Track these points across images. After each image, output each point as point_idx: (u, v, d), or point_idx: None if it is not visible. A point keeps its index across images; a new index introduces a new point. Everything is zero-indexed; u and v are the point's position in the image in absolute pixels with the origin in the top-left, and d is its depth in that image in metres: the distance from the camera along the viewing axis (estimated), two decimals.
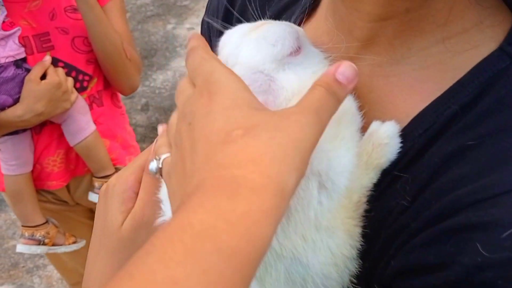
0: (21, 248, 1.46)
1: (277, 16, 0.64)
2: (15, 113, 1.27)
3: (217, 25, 0.60)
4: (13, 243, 2.57)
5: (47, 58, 1.32)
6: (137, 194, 0.49)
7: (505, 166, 0.37)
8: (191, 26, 4.17)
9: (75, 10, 1.34)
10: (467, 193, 0.37)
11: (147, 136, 3.31)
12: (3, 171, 1.45)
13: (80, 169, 1.50)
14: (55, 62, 1.35)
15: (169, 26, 4.18)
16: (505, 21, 0.43)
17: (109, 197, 0.51)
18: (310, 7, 0.58)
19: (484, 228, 0.35)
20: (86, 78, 1.41)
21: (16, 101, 1.30)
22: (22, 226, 1.47)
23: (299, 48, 0.48)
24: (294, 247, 0.39)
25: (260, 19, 0.59)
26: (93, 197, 1.50)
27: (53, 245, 1.47)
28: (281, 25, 0.49)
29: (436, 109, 0.42)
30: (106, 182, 1.49)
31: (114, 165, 1.54)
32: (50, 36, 1.32)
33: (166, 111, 3.49)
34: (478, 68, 0.41)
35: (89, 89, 1.44)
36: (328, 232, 0.40)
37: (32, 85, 1.27)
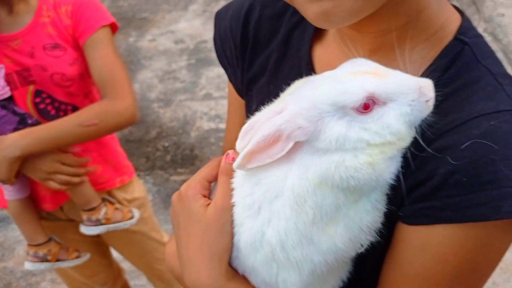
0: (28, 265, 1.57)
1: (290, 32, 0.74)
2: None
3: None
4: (4, 264, 2.66)
5: None
6: (203, 195, 0.63)
7: (460, 110, 0.55)
8: (152, 38, 4.27)
9: (54, 47, 1.43)
10: (439, 128, 0.55)
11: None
12: (5, 196, 1.54)
13: None
14: (38, 93, 1.43)
15: (131, 39, 4.27)
16: (457, 18, 0.62)
17: (184, 200, 0.64)
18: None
19: (450, 147, 0.53)
20: (69, 108, 1.50)
21: None
22: (28, 244, 1.58)
23: (368, 108, 0.52)
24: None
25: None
26: (84, 229, 1.57)
27: (57, 260, 1.58)
28: (363, 82, 0.53)
29: None
30: (93, 214, 1.44)
31: (104, 189, 1.61)
32: (31, 72, 1.42)
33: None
34: (442, 54, 0.60)
35: None
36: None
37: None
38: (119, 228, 1.60)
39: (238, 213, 0.60)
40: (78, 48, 1.48)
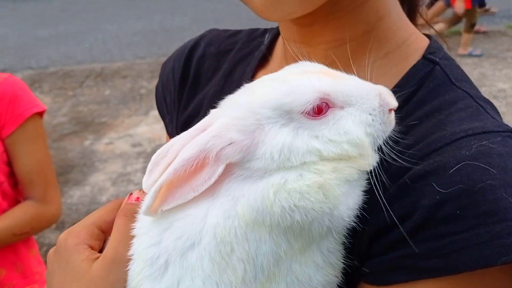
0: None
1: (232, 67, 0.68)
2: None
3: None
4: None
5: None
6: (90, 246, 0.50)
7: (442, 130, 0.46)
8: (109, 141, 4.20)
9: None
10: (415, 153, 0.45)
11: None
12: None
13: None
14: None
15: (87, 142, 4.18)
16: (423, 38, 0.57)
17: (62, 251, 0.50)
18: (264, 57, 0.64)
19: (435, 172, 0.42)
20: None
21: None
22: None
23: (321, 112, 0.43)
24: None
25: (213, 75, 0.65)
26: None
27: None
28: (314, 81, 0.44)
29: None
30: None
31: None
32: None
33: None
34: (410, 73, 0.53)
35: None
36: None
37: None
38: None
39: (135, 270, 0.45)
40: None
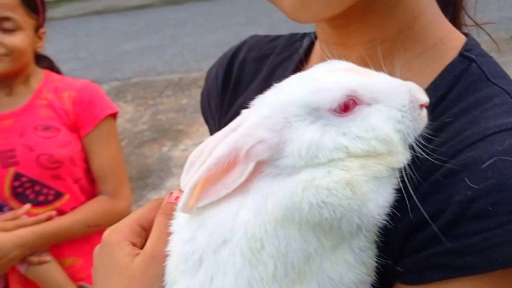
0: None
1: (272, 71, 0.69)
2: None
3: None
4: None
5: (21, 212, 1.37)
6: (132, 243, 0.52)
7: (475, 126, 0.46)
8: (185, 148, 4.36)
9: (45, 129, 1.41)
10: (448, 148, 0.45)
11: None
12: None
13: None
14: (18, 177, 1.38)
15: (164, 149, 4.37)
16: (461, 36, 0.57)
17: (106, 247, 0.53)
18: (303, 60, 0.66)
19: (467, 167, 0.43)
20: (52, 192, 1.43)
21: None
22: None
23: (348, 110, 0.44)
24: None
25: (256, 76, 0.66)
26: None
27: None
28: (341, 78, 0.44)
29: None
30: None
31: (82, 281, 1.48)
32: (16, 152, 1.37)
33: None
34: (446, 70, 0.53)
35: (59, 204, 1.44)
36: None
37: None
38: None
39: (172, 265, 0.46)
40: (74, 131, 1.45)
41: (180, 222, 0.48)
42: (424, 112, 0.46)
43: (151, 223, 0.52)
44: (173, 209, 0.49)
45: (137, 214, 0.54)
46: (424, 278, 0.43)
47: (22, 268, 1.41)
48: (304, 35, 0.71)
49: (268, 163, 0.43)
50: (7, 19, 1.33)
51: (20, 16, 1.35)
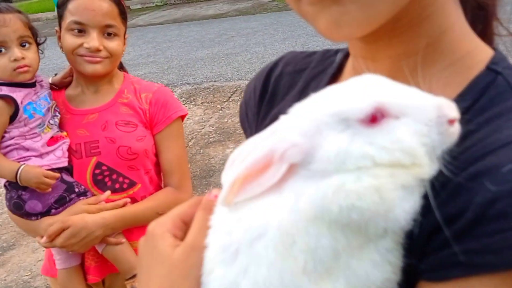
0: None
1: (306, 84, 0.73)
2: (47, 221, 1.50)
3: None
4: None
5: (103, 197, 1.54)
6: (174, 235, 0.56)
7: (498, 133, 0.48)
8: None
9: (125, 124, 1.60)
10: (471, 154, 0.47)
11: None
12: (56, 266, 1.62)
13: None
14: (99, 166, 1.56)
15: (228, 151, 4.56)
16: (488, 50, 0.58)
17: (150, 238, 0.58)
18: (336, 74, 0.70)
19: (488, 171, 0.44)
20: (126, 181, 1.60)
21: (46, 208, 1.50)
22: None
23: (376, 121, 0.46)
24: None
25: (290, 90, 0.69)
26: None
27: None
28: (370, 91, 0.47)
29: None
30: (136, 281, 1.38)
31: None
32: (99, 143, 1.57)
33: None
34: (472, 83, 0.55)
35: (131, 192, 1.61)
36: None
37: (75, 209, 1.51)
38: None
39: (210, 256, 0.50)
40: (149, 128, 1.64)
41: (219, 217, 0.51)
42: (455, 127, 0.47)
43: (191, 217, 0.55)
44: (213, 206, 0.53)
45: (179, 210, 0.58)
46: (447, 275, 0.45)
47: (100, 248, 1.57)
48: (338, 50, 0.75)
49: (302, 165, 0.46)
50: (110, 26, 1.54)
51: (119, 23, 1.57)
